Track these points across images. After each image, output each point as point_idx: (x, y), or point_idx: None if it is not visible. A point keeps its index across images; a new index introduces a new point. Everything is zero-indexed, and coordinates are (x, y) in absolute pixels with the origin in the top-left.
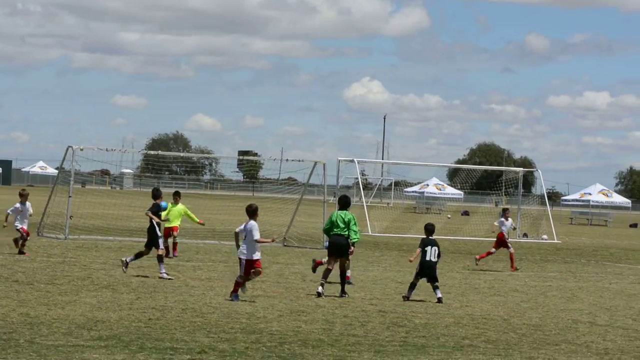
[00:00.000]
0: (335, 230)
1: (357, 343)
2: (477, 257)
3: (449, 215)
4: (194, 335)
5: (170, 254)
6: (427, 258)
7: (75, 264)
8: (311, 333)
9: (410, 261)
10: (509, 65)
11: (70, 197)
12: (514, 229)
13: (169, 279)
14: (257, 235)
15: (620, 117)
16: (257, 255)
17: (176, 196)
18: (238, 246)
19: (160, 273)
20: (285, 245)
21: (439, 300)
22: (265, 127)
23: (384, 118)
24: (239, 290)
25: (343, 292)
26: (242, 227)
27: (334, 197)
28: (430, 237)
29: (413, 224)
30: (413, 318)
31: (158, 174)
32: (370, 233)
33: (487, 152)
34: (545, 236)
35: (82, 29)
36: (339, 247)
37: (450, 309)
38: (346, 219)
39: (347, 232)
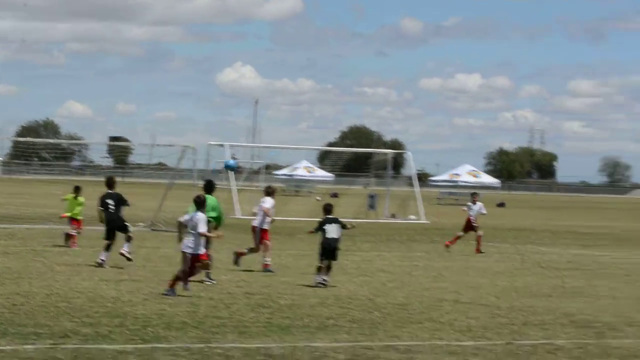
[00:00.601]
0: None
1: (222, 325)
2: (447, 242)
3: (318, 198)
4: (58, 320)
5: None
6: (328, 236)
7: None
8: (175, 316)
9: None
10: (383, 48)
11: None
12: (483, 214)
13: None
14: (203, 229)
15: (492, 99)
16: (202, 250)
17: (77, 191)
18: (180, 238)
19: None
20: (152, 230)
21: (322, 283)
22: (137, 114)
23: (256, 102)
24: (183, 286)
25: (208, 276)
26: (187, 217)
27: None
28: (328, 216)
29: (282, 207)
30: (278, 299)
31: (27, 160)
32: (238, 216)
33: (357, 135)
34: (413, 216)
35: None
36: None
37: (316, 290)
38: (214, 204)
39: (215, 217)
